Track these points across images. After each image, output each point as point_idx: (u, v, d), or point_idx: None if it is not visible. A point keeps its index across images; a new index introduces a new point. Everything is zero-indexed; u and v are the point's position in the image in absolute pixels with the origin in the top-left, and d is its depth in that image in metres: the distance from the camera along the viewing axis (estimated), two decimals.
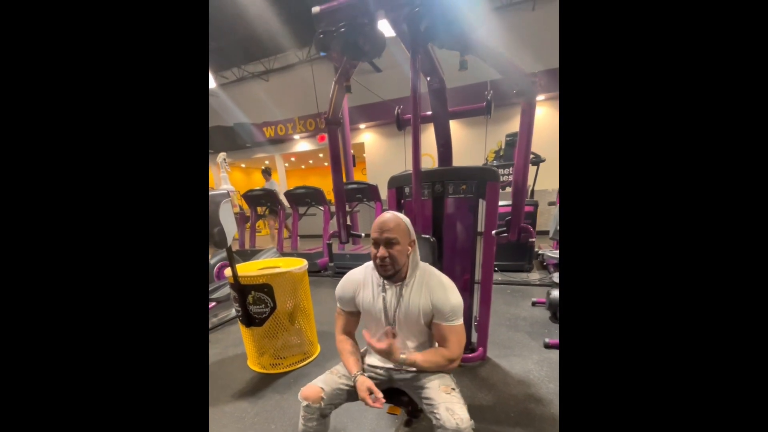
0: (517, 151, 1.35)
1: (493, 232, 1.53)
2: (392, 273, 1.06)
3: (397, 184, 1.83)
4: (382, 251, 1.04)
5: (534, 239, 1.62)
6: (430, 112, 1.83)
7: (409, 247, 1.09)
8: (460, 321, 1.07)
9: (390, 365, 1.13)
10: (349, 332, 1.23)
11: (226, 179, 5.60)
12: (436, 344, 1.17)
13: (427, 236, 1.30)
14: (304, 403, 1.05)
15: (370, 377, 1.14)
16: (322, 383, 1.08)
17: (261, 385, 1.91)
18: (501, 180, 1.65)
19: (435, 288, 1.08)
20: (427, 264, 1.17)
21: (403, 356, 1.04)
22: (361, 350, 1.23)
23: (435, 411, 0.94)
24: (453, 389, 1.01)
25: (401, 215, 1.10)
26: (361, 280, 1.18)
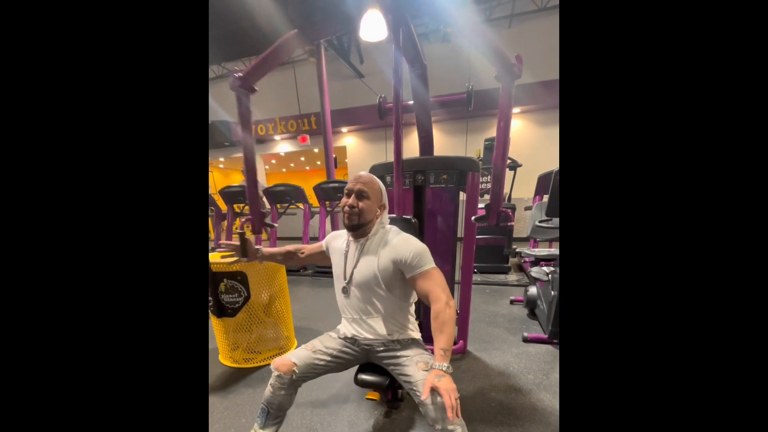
0: (497, 132, 1.37)
1: (473, 218, 1.54)
2: (356, 224, 1.06)
3: (378, 172, 1.82)
4: (352, 200, 1.05)
5: (512, 223, 1.64)
6: (412, 101, 1.83)
7: (379, 209, 1.09)
8: (431, 265, 1.01)
9: (370, 338, 1.09)
10: (303, 251, 1.28)
11: None
12: (413, 300, 1.14)
13: (409, 217, 1.29)
14: (276, 372, 1.04)
15: (345, 352, 1.13)
16: (296, 358, 1.06)
17: (232, 379, 1.83)
18: (480, 187, 1.67)
19: (394, 243, 1.05)
20: (395, 227, 1.14)
21: (442, 368, 0.85)
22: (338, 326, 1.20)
23: (414, 388, 0.93)
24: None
25: (379, 180, 1.11)
26: (340, 233, 1.21)
